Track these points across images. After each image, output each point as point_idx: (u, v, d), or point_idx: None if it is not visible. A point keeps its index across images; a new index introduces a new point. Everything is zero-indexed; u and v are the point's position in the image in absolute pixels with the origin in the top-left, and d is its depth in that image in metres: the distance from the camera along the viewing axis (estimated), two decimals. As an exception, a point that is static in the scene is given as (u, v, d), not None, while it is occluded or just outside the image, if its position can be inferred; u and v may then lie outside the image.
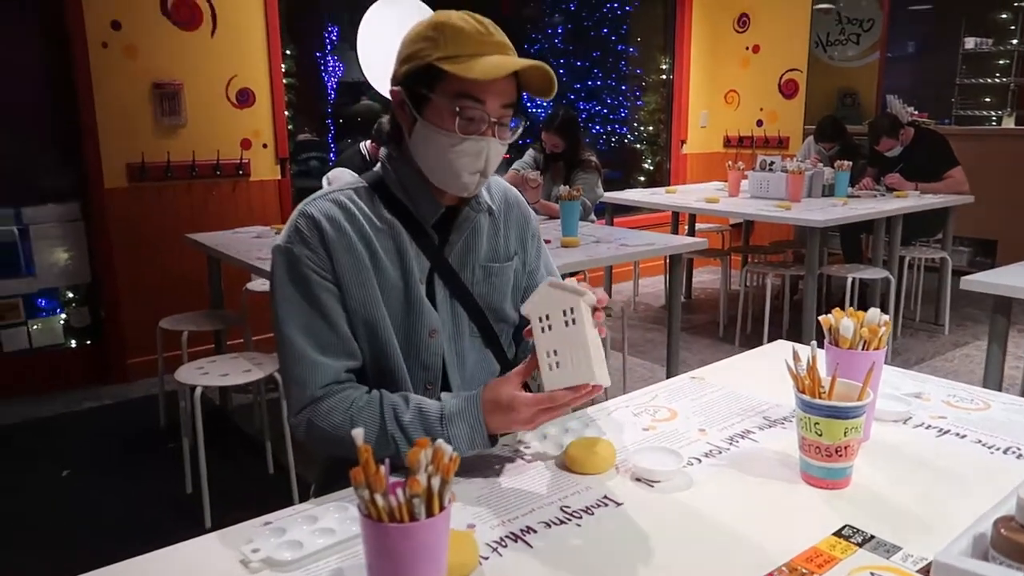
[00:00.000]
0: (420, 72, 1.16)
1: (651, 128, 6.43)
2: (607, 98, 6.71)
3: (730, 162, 4.59)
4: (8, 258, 3.66)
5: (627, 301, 5.24)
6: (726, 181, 4.70)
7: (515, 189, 1.45)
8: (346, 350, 1.19)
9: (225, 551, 0.93)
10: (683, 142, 6.31)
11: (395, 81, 1.22)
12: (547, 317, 1.04)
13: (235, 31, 3.99)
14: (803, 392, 1.06)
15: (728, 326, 4.57)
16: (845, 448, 1.04)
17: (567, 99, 6.75)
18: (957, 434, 1.23)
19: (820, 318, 1.22)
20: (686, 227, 5.14)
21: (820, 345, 1.18)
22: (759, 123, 6.12)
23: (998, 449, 1.17)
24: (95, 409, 3.59)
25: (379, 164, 1.29)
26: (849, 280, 3.85)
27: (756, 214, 3.99)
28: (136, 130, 3.78)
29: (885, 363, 1.24)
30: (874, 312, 1.20)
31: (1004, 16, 8.02)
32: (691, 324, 4.76)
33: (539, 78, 1.18)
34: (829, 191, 4.38)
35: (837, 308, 1.24)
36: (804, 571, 0.86)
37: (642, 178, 6.41)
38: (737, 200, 4.39)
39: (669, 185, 6.00)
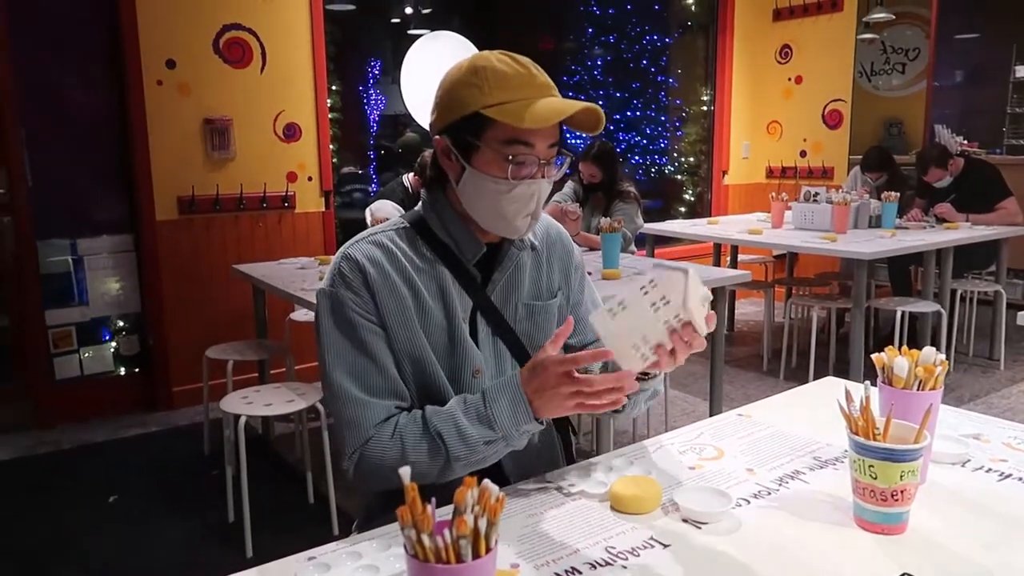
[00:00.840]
0: (466, 121, 1.16)
1: (692, 159, 6.41)
2: (647, 128, 6.71)
3: (773, 193, 4.54)
4: (63, 288, 3.78)
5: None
6: (769, 212, 4.65)
7: (557, 223, 1.44)
8: (394, 391, 1.19)
9: (270, 587, 0.93)
10: (724, 173, 6.28)
11: (437, 130, 1.21)
12: (654, 285, 1.02)
13: (283, 68, 4.10)
14: (857, 433, 1.03)
15: (772, 359, 4.49)
16: (901, 492, 1.00)
17: (606, 130, 6.79)
18: (1019, 478, 1.18)
19: (873, 356, 1.19)
20: (728, 258, 5.09)
21: (872, 382, 1.15)
22: (803, 154, 6.05)
23: (1064, 495, 1.12)
24: (141, 436, 3.65)
25: (420, 204, 1.30)
26: (899, 313, 3.76)
27: (801, 246, 3.93)
28: (187, 164, 3.89)
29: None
30: (929, 351, 1.17)
31: (1056, 43, 7.85)
32: (734, 357, 4.68)
33: (587, 115, 1.18)
34: (876, 222, 4.31)
35: (890, 347, 1.21)
36: (861, 622, 0.83)
37: (683, 209, 6.38)
38: (781, 232, 4.34)
39: (710, 216, 5.95)
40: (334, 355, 1.18)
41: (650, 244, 4.74)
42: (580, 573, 0.94)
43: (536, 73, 1.18)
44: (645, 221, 4.67)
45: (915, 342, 4.05)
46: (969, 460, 1.25)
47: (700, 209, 6.35)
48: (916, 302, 3.95)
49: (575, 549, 0.99)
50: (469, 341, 1.24)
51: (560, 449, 1.41)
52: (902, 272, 4.55)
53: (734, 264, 5.02)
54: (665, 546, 1.00)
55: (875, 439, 1.02)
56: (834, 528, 1.04)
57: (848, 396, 1.06)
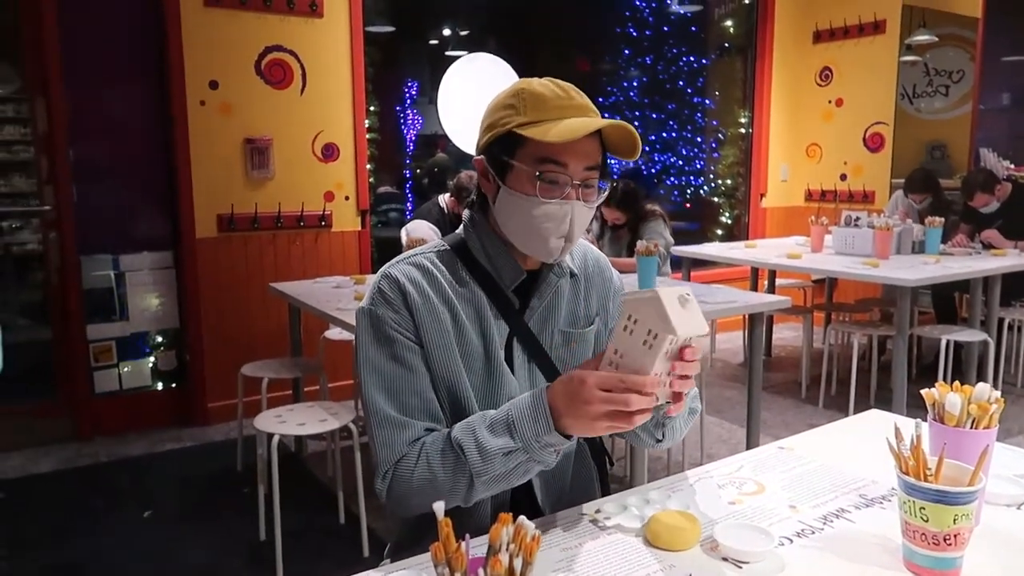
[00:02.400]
0: (502, 140, 1.17)
1: (729, 181, 6.35)
2: (683, 150, 6.68)
3: (813, 217, 4.47)
4: (105, 303, 3.84)
5: (704, 358, 5.11)
6: (807, 236, 4.57)
7: (596, 250, 1.43)
8: (429, 411, 1.17)
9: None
10: (762, 196, 6.20)
11: (478, 150, 1.23)
12: (634, 321, 0.99)
13: (323, 90, 4.16)
14: (907, 473, 0.99)
15: (811, 386, 4.39)
16: (955, 536, 0.96)
17: (642, 150, 6.75)
18: (1080, 524, 1.12)
19: (923, 392, 1.15)
20: (765, 282, 5.01)
21: (914, 413, 1.10)
22: (843, 177, 5.96)
23: None
24: (176, 451, 3.68)
25: (461, 227, 1.29)
26: (943, 342, 3.66)
27: (842, 271, 3.85)
28: (227, 183, 3.95)
29: None
30: (983, 387, 1.12)
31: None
32: (771, 383, 4.60)
33: (622, 138, 1.16)
34: (919, 248, 4.21)
35: (941, 382, 1.16)
36: (914, 676, 0.79)
37: (720, 232, 6.31)
38: (821, 256, 4.26)
39: (747, 239, 5.88)
40: (371, 373, 1.17)
41: (686, 267, 4.68)
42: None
43: (575, 95, 1.17)
44: (682, 243, 4.64)
45: (960, 372, 3.93)
46: (1024, 502, 1.19)
47: (737, 232, 6.28)
48: (962, 330, 3.84)
49: (611, 587, 0.96)
50: (505, 367, 1.23)
51: (596, 478, 1.38)
52: (947, 299, 4.44)
53: (772, 288, 4.94)
54: (705, 586, 0.97)
55: (927, 480, 0.97)
56: (883, 572, 1.00)
57: (898, 434, 1.01)
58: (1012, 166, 6.03)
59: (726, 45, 6.41)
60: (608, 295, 1.37)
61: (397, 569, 1.01)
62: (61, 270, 3.73)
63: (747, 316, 3.26)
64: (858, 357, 3.94)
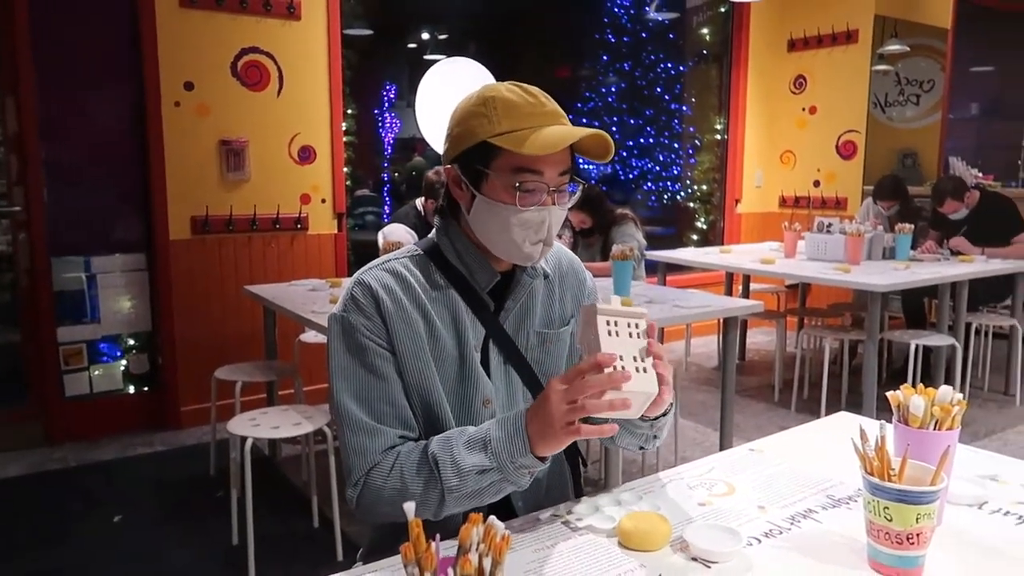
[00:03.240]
0: (475, 149, 1.17)
1: (705, 187, 6.41)
2: (660, 155, 6.73)
3: (786, 223, 4.52)
4: (76, 305, 3.79)
5: (679, 362, 5.15)
6: (781, 241, 4.63)
7: (570, 252, 1.44)
8: (402, 419, 1.18)
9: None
10: (737, 201, 6.27)
11: (448, 159, 1.22)
12: (615, 323, 1.03)
13: (300, 92, 4.14)
14: (871, 474, 1.01)
15: (784, 390, 4.44)
16: (917, 535, 0.98)
17: (619, 156, 6.80)
18: (1039, 523, 1.15)
19: (888, 394, 1.17)
20: (740, 287, 5.06)
21: (887, 419, 1.13)
22: (816, 183, 6.04)
23: (1085, 541, 1.09)
24: (148, 455, 3.64)
25: (434, 231, 1.30)
26: (912, 346, 3.72)
27: (814, 277, 3.90)
28: (202, 185, 3.91)
29: None
30: (946, 390, 1.15)
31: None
32: (745, 387, 4.64)
33: (596, 144, 1.18)
34: (890, 254, 4.28)
35: (906, 384, 1.19)
36: (876, 672, 0.80)
37: (695, 237, 6.37)
38: (794, 262, 4.31)
39: (722, 244, 5.94)
40: (343, 380, 1.17)
41: (662, 272, 4.72)
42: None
43: (545, 101, 1.18)
44: (658, 248, 4.68)
45: (929, 376, 4.00)
46: (986, 502, 1.22)
47: (712, 237, 6.33)
48: (930, 335, 3.91)
49: (582, 586, 0.97)
50: (480, 370, 1.23)
51: (569, 480, 1.39)
52: (916, 304, 4.51)
53: (746, 293, 4.99)
54: (674, 586, 0.98)
55: (890, 480, 1.00)
56: (847, 571, 1.01)
57: (863, 435, 1.04)
58: (980, 174, 6.16)
59: (703, 52, 6.47)
60: (582, 296, 1.39)
61: (369, 571, 1.01)
62: (31, 272, 3.67)
63: (721, 320, 3.29)
64: (829, 361, 3.99)
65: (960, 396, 1.14)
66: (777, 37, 6.18)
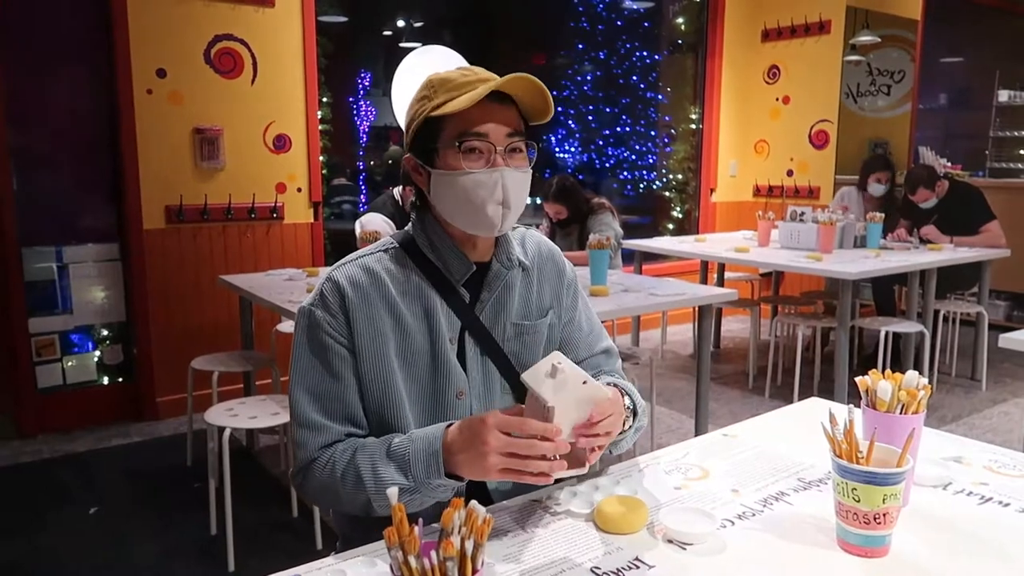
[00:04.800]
0: (421, 129, 1.21)
1: (680, 176, 6.45)
2: (636, 144, 6.76)
3: (760, 212, 4.58)
4: (47, 295, 3.75)
5: (655, 349, 5.20)
6: (755, 230, 4.69)
7: (549, 241, 1.45)
8: (350, 416, 1.20)
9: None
10: (712, 191, 6.32)
11: (406, 149, 1.27)
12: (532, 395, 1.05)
13: (274, 79, 4.10)
14: (840, 456, 1.04)
15: (757, 377, 4.51)
16: (884, 515, 1.01)
17: (595, 144, 6.82)
18: (1000, 502, 1.19)
19: (857, 380, 1.20)
20: (715, 276, 5.12)
21: (856, 404, 1.16)
22: (789, 173, 6.11)
23: (1044, 520, 1.13)
24: (124, 446, 3.62)
25: (409, 224, 1.31)
26: (883, 333, 3.79)
27: (787, 265, 3.96)
28: (176, 173, 3.88)
29: None
30: (912, 375, 1.18)
31: (1038, 69, 8.00)
32: (719, 374, 4.70)
33: (533, 98, 1.20)
34: (861, 242, 4.35)
35: (874, 370, 1.22)
36: (843, 646, 0.83)
37: (671, 226, 6.42)
38: (767, 250, 4.37)
39: (698, 233, 5.99)
40: (300, 372, 1.21)
41: (638, 261, 4.76)
42: (565, 594, 0.94)
43: (481, 72, 1.21)
44: (634, 237, 4.71)
45: (899, 362, 4.08)
46: (951, 483, 1.26)
47: (688, 226, 6.39)
48: (900, 322, 3.99)
49: (560, 570, 0.99)
50: (453, 363, 1.25)
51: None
52: (887, 292, 4.60)
53: (721, 282, 5.04)
54: (650, 567, 1.00)
55: (858, 462, 1.03)
56: (817, 550, 1.05)
57: (832, 419, 1.07)
58: (948, 163, 6.27)
59: (678, 42, 6.50)
60: (562, 286, 1.39)
61: (350, 556, 1.03)
62: (1, 262, 3.62)
63: (696, 308, 3.33)
64: (802, 348, 4.06)
65: (925, 381, 1.18)
66: (751, 27, 6.22)
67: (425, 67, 4.86)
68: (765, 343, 5.02)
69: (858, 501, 1.01)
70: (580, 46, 6.65)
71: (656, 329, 5.45)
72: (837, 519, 1.05)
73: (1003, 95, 7.09)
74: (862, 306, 4.90)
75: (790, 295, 5.30)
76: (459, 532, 0.72)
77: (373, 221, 3.75)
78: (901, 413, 1.15)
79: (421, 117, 1.20)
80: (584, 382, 1.05)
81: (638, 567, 1.00)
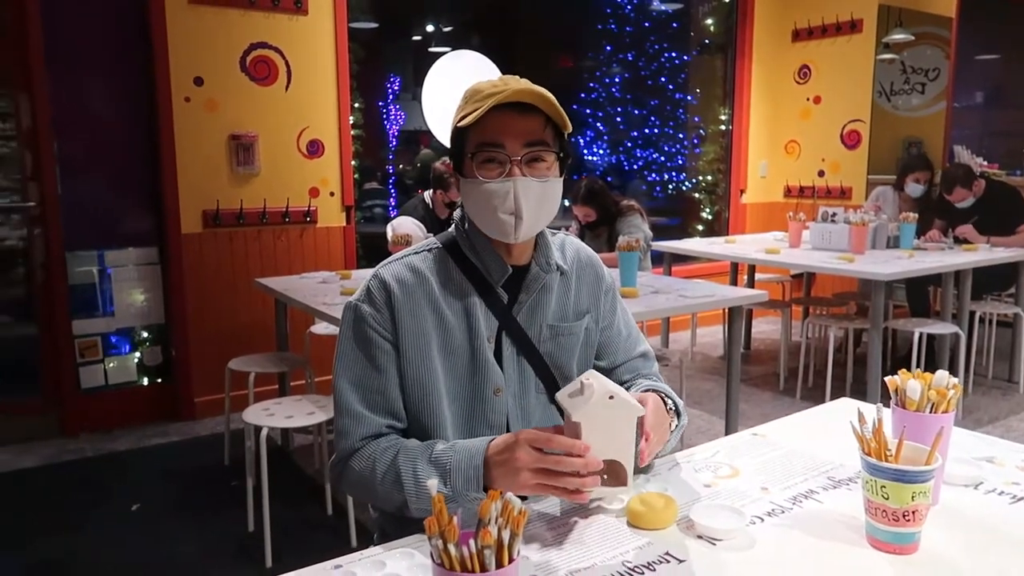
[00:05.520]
0: (455, 137, 1.27)
1: (710, 177, 6.43)
2: (664, 146, 6.75)
3: (791, 213, 4.56)
4: (90, 298, 3.86)
5: (685, 351, 5.20)
6: (786, 231, 4.66)
7: (590, 249, 1.48)
8: (391, 410, 1.24)
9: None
10: (742, 192, 6.29)
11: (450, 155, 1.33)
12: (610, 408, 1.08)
13: (308, 86, 4.18)
14: (869, 454, 1.05)
15: (789, 379, 4.49)
16: (913, 513, 1.02)
17: (624, 146, 6.82)
18: (1029, 501, 1.20)
19: (887, 379, 1.21)
20: (745, 277, 5.09)
21: (886, 404, 1.17)
22: (820, 173, 6.06)
23: (1075, 519, 1.13)
24: (163, 445, 3.71)
25: (453, 226, 1.35)
26: (916, 335, 3.76)
27: (818, 266, 3.94)
28: (213, 179, 3.97)
29: (955, 424, 1.22)
30: (942, 374, 1.19)
31: (1078, 65, 7.83)
32: (750, 376, 4.69)
33: (550, 108, 1.22)
34: (894, 243, 4.31)
35: (903, 369, 1.23)
36: (871, 638, 0.85)
37: (700, 227, 6.40)
38: (798, 251, 4.35)
39: (727, 234, 5.97)
40: (344, 364, 1.25)
41: (667, 262, 4.76)
42: (597, 585, 0.97)
43: (512, 83, 1.23)
44: (663, 238, 4.72)
45: (933, 363, 4.04)
46: (982, 483, 1.26)
47: (718, 227, 6.37)
48: (934, 323, 3.95)
49: (592, 563, 1.02)
50: (491, 361, 1.28)
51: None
52: (920, 293, 4.54)
53: (751, 283, 5.02)
54: (680, 561, 1.02)
55: (887, 460, 1.04)
56: (846, 547, 1.06)
57: (861, 417, 1.08)
58: (985, 163, 6.16)
59: (706, 42, 6.48)
60: (600, 291, 1.43)
61: (390, 548, 1.06)
62: (46, 266, 3.74)
63: (726, 310, 3.33)
64: (834, 350, 4.03)
65: (956, 380, 1.18)
66: (781, 27, 6.19)
67: (455, 72, 4.92)
68: (796, 345, 4.98)
69: (887, 499, 1.03)
70: (608, 48, 6.66)
71: (686, 331, 5.44)
72: (867, 516, 1.06)
73: (1041, 92, 6.95)
74: (895, 307, 4.85)
75: (822, 296, 5.25)
76: (496, 522, 0.75)
77: (404, 224, 3.81)
78: (931, 412, 1.16)
79: (454, 126, 1.25)
80: (611, 397, 1.08)
81: (668, 561, 1.02)
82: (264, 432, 2.57)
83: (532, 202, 1.23)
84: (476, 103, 1.21)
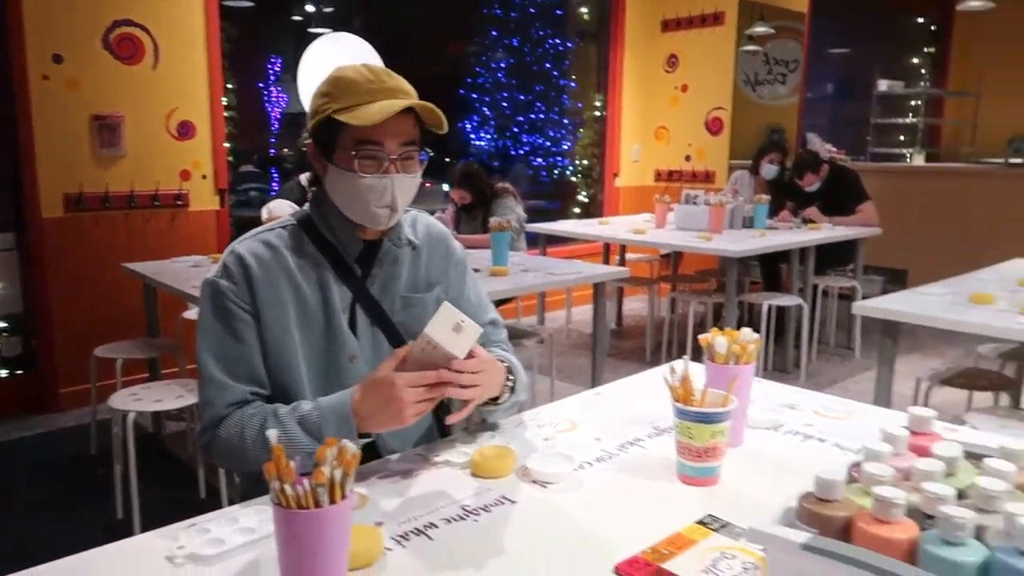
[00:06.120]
0: (323, 125, 1.31)
1: (587, 162, 6.66)
2: (550, 131, 6.93)
3: (657, 196, 4.82)
4: (-62, 287, 3.64)
5: (560, 328, 5.40)
6: (655, 213, 4.92)
7: (440, 224, 1.57)
8: (254, 377, 1.31)
9: (153, 549, 1.03)
10: (616, 175, 6.56)
11: (309, 136, 1.37)
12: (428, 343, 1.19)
13: (177, 65, 4.07)
14: (678, 401, 1.21)
15: (655, 352, 4.76)
16: (713, 449, 1.19)
17: (510, 131, 6.95)
18: (819, 439, 1.39)
19: (700, 337, 1.38)
20: (617, 257, 5.34)
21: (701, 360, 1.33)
22: (687, 158, 6.41)
23: (850, 451, 1.33)
24: (26, 439, 3.56)
25: (307, 204, 1.42)
26: (765, 307, 4.08)
27: (679, 244, 4.20)
28: (75, 161, 3.80)
29: (800, 385, 1.40)
30: (746, 331, 1.36)
31: (915, 61, 8.58)
32: (620, 350, 4.94)
33: (429, 113, 1.32)
34: (749, 223, 4.64)
35: (715, 328, 1.40)
36: (665, 552, 1.00)
37: (577, 210, 6.63)
38: (663, 232, 4.62)
39: (602, 216, 6.22)
40: (206, 337, 1.31)
41: (542, 244, 4.93)
42: (436, 527, 1.07)
43: (385, 79, 1.31)
44: (544, 221, 4.88)
45: (783, 333, 4.40)
46: (782, 425, 1.45)
47: (594, 210, 6.61)
48: (781, 297, 4.30)
49: (435, 508, 1.13)
50: (346, 330, 1.37)
51: (436, 428, 1.54)
52: (773, 269, 4.92)
53: (623, 263, 5.27)
54: (513, 503, 1.15)
55: (692, 405, 1.20)
56: (661, 484, 1.21)
57: (672, 371, 1.23)
58: (834, 149, 6.67)
59: (584, 31, 6.69)
60: (449, 264, 1.52)
61: (249, 505, 1.13)
62: None
63: (593, 287, 3.51)
64: (696, 324, 4.31)
65: (757, 336, 1.36)
66: (651, 18, 6.47)
67: (333, 56, 4.88)
68: (664, 320, 5.28)
69: (692, 438, 1.19)
70: (494, 32, 6.75)
71: (562, 310, 5.65)
72: (677, 456, 1.22)
73: (882, 84, 7.58)
74: (753, 283, 5.22)
75: (686, 274, 5.58)
76: (330, 465, 0.84)
77: (280, 207, 3.78)
78: (735, 364, 1.33)
79: (324, 114, 1.30)
80: (462, 322, 1.20)
81: (503, 504, 1.14)
82: (131, 417, 2.54)
83: (405, 196, 1.34)
84: (356, 96, 1.27)
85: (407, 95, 1.32)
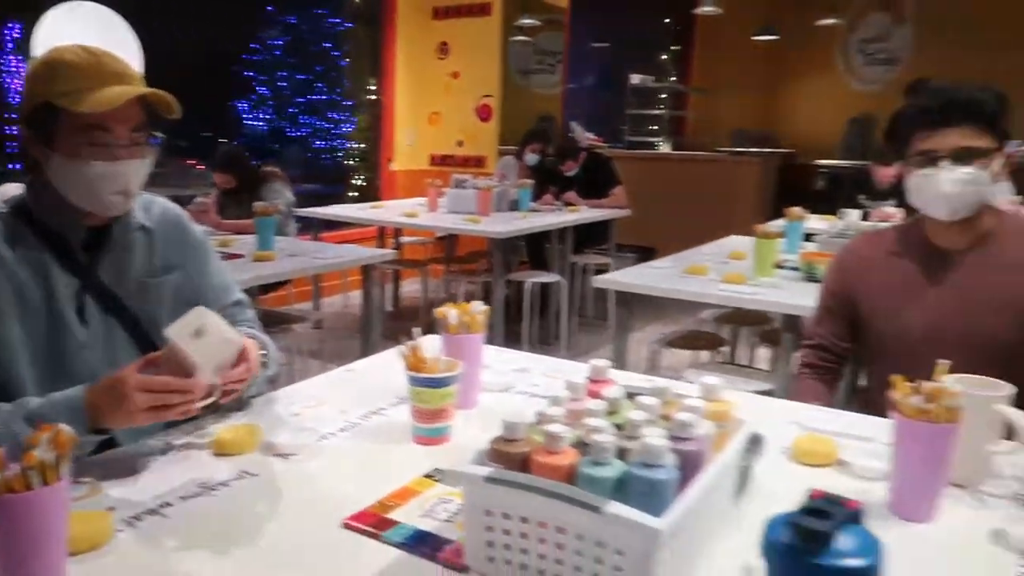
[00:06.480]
0: (40, 110, 1.25)
1: (363, 145, 6.66)
2: (330, 113, 6.81)
3: (429, 180, 4.96)
4: None
5: (337, 313, 5.40)
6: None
7: (176, 207, 1.56)
8: None
9: None
10: (390, 160, 6.62)
11: (21, 120, 1.29)
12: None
13: None
14: (410, 369, 1.32)
15: (427, 332, 4.89)
16: (442, 412, 1.31)
17: (287, 112, 6.75)
18: (543, 397, 1.56)
19: (435, 311, 1.50)
20: (392, 241, 5.43)
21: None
22: (460, 143, 6.62)
23: (566, 404, 1.52)
24: None
25: (24, 189, 1.35)
26: (528, 284, 4.38)
27: (449, 227, 4.39)
28: None
29: (555, 355, 1.53)
30: (476, 304, 1.51)
31: (664, 57, 9.46)
32: (395, 331, 4.98)
33: (160, 101, 1.31)
34: (515, 206, 4.92)
35: (449, 302, 1.53)
36: (390, 504, 1.10)
37: (355, 194, 6.62)
38: (435, 215, 4.77)
39: (380, 201, 6.26)
40: None
41: (316, 229, 4.89)
42: (171, 505, 1.09)
43: (108, 62, 1.29)
44: (320, 205, 4.84)
45: (546, 307, 4.74)
46: (513, 387, 1.62)
47: (371, 194, 6.63)
48: (542, 274, 4.63)
49: (171, 488, 1.15)
50: (72, 319, 1.33)
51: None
52: (538, 249, 5.26)
53: (398, 246, 5.36)
54: (254, 476, 1.20)
55: (423, 372, 1.32)
56: (397, 446, 1.32)
57: (406, 344, 1.34)
58: (594, 137, 7.22)
59: (358, 13, 6.64)
60: (186, 247, 1.51)
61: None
62: None
63: (362, 270, 3.58)
64: (465, 302, 4.51)
65: (485, 307, 1.51)
66: (423, 4, 6.57)
67: (74, 28, 4.46)
68: (439, 300, 5.45)
69: (424, 402, 1.31)
70: (270, 8, 6.49)
71: (340, 294, 5.64)
72: (412, 420, 1.34)
73: (635, 78, 8.31)
74: (521, 262, 5.54)
75: (459, 255, 5.79)
76: (44, 448, 0.85)
77: (10, 191, 3.45)
78: (467, 334, 1.47)
79: (41, 99, 1.24)
80: (226, 339, 1.19)
81: (243, 478, 1.19)
82: None
83: (138, 181, 1.32)
84: (79, 80, 1.22)
85: (132, 79, 1.30)
